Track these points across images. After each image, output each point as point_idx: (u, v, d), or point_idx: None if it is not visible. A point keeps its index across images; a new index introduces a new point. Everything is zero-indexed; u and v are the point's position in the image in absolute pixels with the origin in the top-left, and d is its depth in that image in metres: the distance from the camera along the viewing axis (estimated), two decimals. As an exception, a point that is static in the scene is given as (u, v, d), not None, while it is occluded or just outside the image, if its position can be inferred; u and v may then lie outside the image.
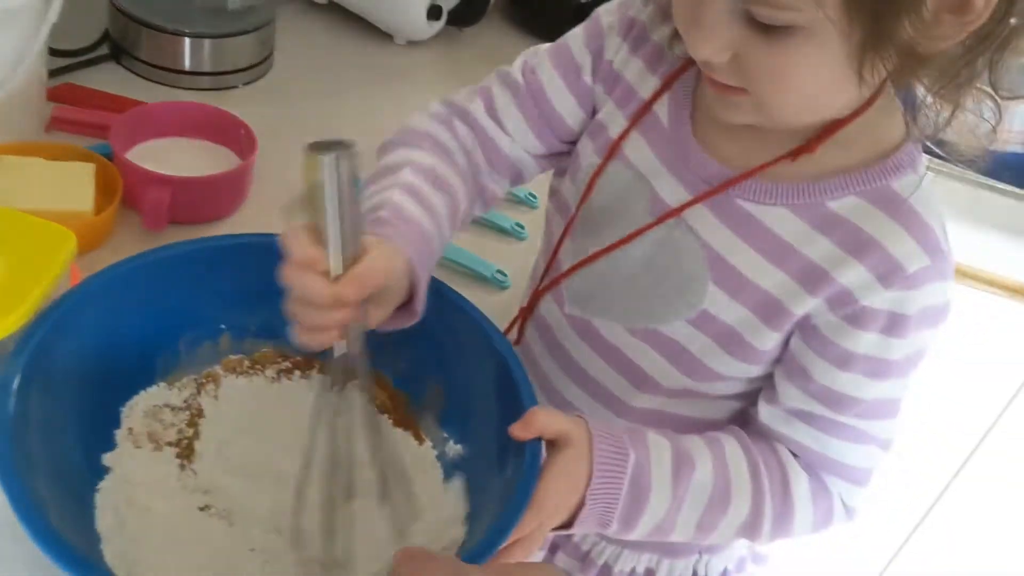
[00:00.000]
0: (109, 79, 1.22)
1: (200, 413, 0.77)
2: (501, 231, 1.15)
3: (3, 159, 0.96)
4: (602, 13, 0.83)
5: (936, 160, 0.74)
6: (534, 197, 1.20)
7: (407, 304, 0.70)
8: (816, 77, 0.65)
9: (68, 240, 0.72)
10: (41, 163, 0.97)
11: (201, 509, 0.71)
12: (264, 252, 0.67)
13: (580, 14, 0.88)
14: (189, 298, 0.77)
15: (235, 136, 1.10)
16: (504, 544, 0.64)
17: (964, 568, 1.61)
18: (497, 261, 1.09)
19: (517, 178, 0.87)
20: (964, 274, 1.28)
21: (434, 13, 1.41)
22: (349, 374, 0.68)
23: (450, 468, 0.77)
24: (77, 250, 0.74)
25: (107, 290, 0.72)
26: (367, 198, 0.74)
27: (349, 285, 0.62)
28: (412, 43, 1.44)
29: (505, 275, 1.08)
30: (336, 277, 0.62)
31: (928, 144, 0.72)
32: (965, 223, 1.36)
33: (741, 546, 0.96)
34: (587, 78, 0.82)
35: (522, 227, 1.15)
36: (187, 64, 1.24)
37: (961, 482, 1.55)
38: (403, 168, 0.76)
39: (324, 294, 0.62)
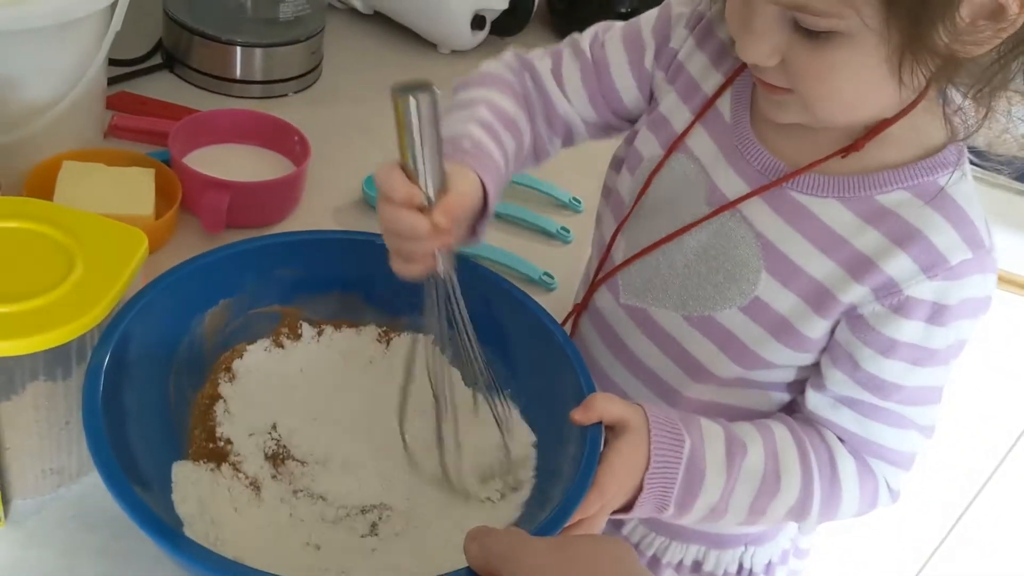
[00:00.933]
0: (162, 87, 1.25)
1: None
2: (547, 235, 1.17)
3: (67, 165, 0.99)
4: (674, 3, 0.87)
5: (975, 167, 0.76)
6: (578, 201, 1.22)
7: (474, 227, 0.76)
8: (857, 80, 0.68)
9: (141, 241, 0.74)
10: (103, 169, 1.00)
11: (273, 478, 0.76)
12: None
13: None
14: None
15: (288, 142, 1.13)
16: (567, 524, 0.67)
17: (1000, 568, 1.61)
18: (544, 264, 1.11)
19: (568, 139, 0.91)
20: (1005, 280, 1.30)
21: (478, 23, 1.43)
22: (444, 295, 0.73)
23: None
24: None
25: (179, 284, 0.76)
26: (446, 128, 0.78)
27: (444, 215, 0.67)
28: (456, 52, 1.47)
29: (552, 277, 1.10)
30: (427, 207, 0.67)
31: (967, 148, 0.75)
32: (1006, 229, 1.37)
33: (785, 539, 0.98)
34: (649, 61, 0.86)
35: (567, 231, 1.17)
36: (238, 73, 1.27)
37: (998, 481, 1.55)
38: (480, 105, 0.82)
39: (425, 227, 0.67)
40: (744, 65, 0.80)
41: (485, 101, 0.83)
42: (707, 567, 0.95)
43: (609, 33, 0.88)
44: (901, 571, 1.68)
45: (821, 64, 0.67)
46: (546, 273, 1.10)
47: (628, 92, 0.87)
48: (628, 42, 0.87)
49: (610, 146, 0.94)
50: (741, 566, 0.96)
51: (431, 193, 0.67)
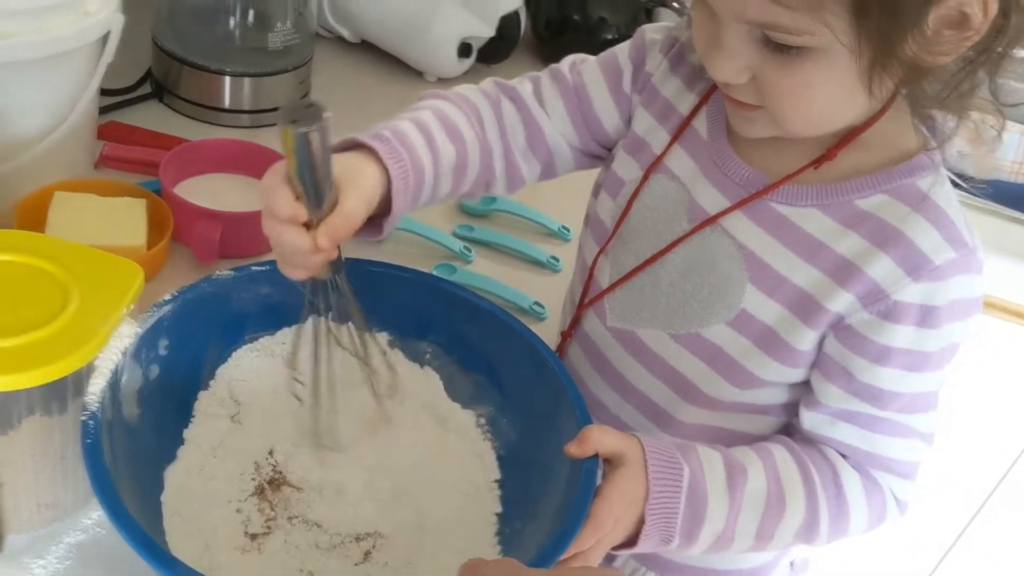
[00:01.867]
0: (152, 117, 1.26)
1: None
2: (537, 264, 1.18)
3: (58, 195, 0.99)
4: (648, 30, 0.89)
5: (960, 191, 0.78)
6: (567, 230, 1.23)
7: (377, 218, 0.77)
8: (828, 93, 0.70)
9: (137, 274, 0.74)
10: (95, 199, 1.00)
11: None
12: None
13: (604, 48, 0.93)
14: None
15: (278, 172, 1.13)
16: (562, 557, 0.67)
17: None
18: (534, 293, 1.11)
19: (548, 167, 0.91)
20: (995, 306, 1.32)
21: (464, 51, 1.44)
22: (325, 300, 0.76)
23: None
24: (142, 283, 0.76)
25: (179, 316, 0.77)
26: (380, 127, 0.80)
27: (326, 238, 0.69)
28: (442, 80, 1.48)
29: (543, 307, 1.10)
30: (313, 221, 0.68)
31: (947, 168, 0.77)
32: (995, 255, 1.39)
33: (782, 570, 0.98)
34: (627, 84, 0.88)
35: (557, 260, 1.18)
36: (227, 102, 1.28)
37: (1003, 493, 1.56)
38: (423, 110, 0.82)
39: (306, 245, 0.69)
40: (717, 85, 0.82)
41: (432, 108, 0.83)
42: (697, 603, 0.94)
43: (586, 63, 0.90)
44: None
45: (793, 80, 0.69)
46: (536, 303, 1.10)
47: (608, 116, 0.88)
48: (605, 68, 0.89)
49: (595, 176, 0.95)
50: (731, 603, 0.95)
51: (319, 211, 0.68)
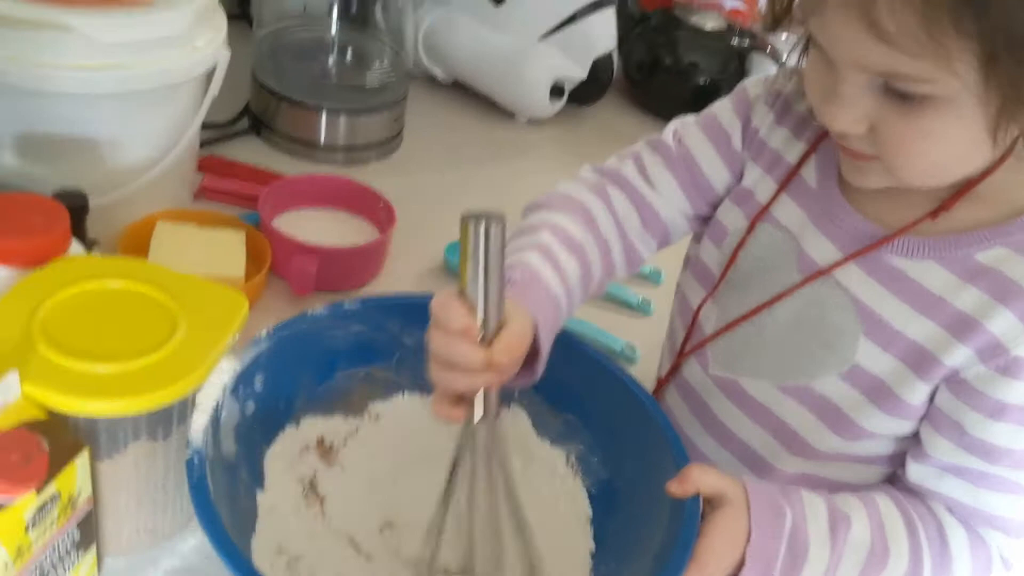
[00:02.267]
0: (249, 151, 1.28)
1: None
2: (629, 307, 1.16)
3: (160, 225, 1.01)
4: (749, 85, 0.87)
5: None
6: (659, 274, 1.22)
7: (526, 365, 0.72)
8: (950, 144, 0.67)
9: (242, 304, 0.75)
10: (195, 230, 1.02)
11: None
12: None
13: (698, 94, 0.92)
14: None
15: (373, 208, 1.14)
16: None
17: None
18: (625, 336, 1.10)
19: (665, 240, 0.89)
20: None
21: (556, 92, 1.45)
22: (484, 440, 0.69)
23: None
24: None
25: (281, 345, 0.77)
26: (509, 265, 0.77)
27: (503, 353, 0.65)
28: (533, 121, 1.48)
29: (634, 349, 1.09)
30: (483, 341, 0.65)
31: None
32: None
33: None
34: (737, 145, 0.86)
35: (649, 303, 1.17)
36: (322, 138, 1.29)
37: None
38: (541, 230, 0.79)
39: (479, 360, 0.64)
40: (827, 131, 0.80)
41: (548, 225, 0.80)
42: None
43: (685, 128, 0.88)
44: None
45: (914, 130, 0.66)
46: (628, 345, 1.09)
47: (720, 179, 0.86)
48: (709, 131, 0.86)
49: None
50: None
51: (491, 327, 0.64)
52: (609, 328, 1.11)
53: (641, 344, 1.10)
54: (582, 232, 0.82)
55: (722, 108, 0.87)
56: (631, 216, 0.86)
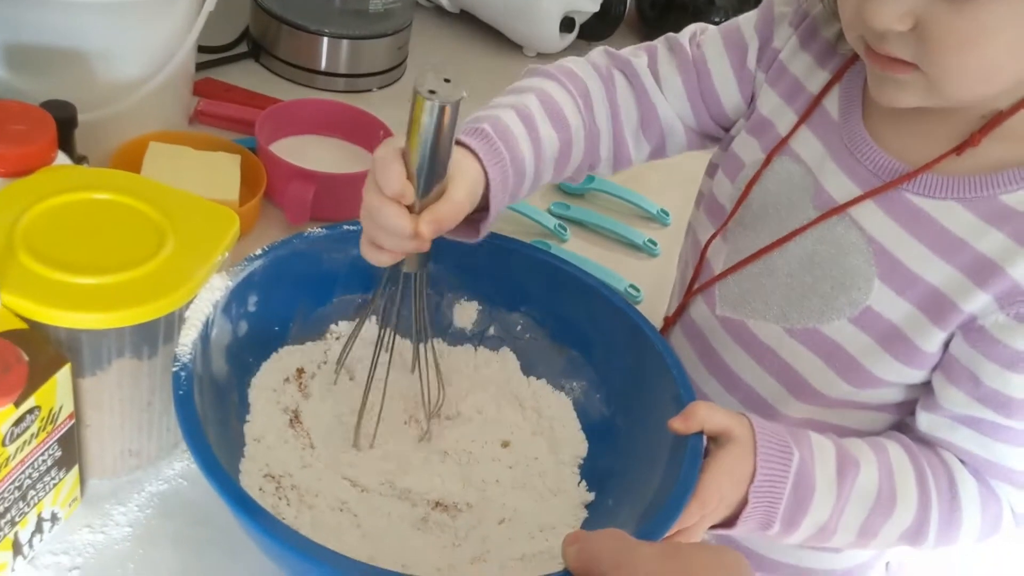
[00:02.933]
0: (247, 76, 1.24)
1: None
2: (634, 247, 1.13)
3: (153, 145, 0.97)
4: (777, 1, 0.83)
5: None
6: (666, 213, 1.19)
7: (471, 223, 0.71)
8: (1003, 47, 0.62)
9: (233, 221, 0.72)
10: (189, 152, 0.98)
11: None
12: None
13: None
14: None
15: (373, 136, 1.11)
16: (666, 534, 0.63)
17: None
18: (630, 277, 1.07)
19: (659, 148, 0.86)
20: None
21: (567, 25, 1.41)
22: (407, 291, 0.71)
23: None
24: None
25: (274, 267, 0.74)
26: (484, 109, 0.75)
27: (428, 225, 0.63)
28: (542, 55, 1.44)
29: (638, 290, 1.06)
30: (416, 205, 0.63)
31: None
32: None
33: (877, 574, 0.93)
34: (751, 61, 0.82)
35: (655, 243, 1.14)
36: (323, 64, 1.25)
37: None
38: (529, 94, 0.77)
39: (408, 228, 0.63)
40: (853, 60, 0.77)
41: (539, 91, 0.77)
42: (790, 602, 0.90)
43: (706, 34, 0.84)
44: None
45: (965, 27, 0.61)
46: (632, 285, 1.06)
47: (728, 94, 0.83)
48: (728, 42, 0.83)
49: (700, 157, 0.91)
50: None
51: (426, 196, 0.63)
52: (613, 267, 1.07)
53: (646, 285, 1.07)
54: (573, 110, 0.79)
55: (746, 21, 0.84)
56: (631, 112, 0.83)
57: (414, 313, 0.72)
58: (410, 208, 0.63)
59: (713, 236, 0.83)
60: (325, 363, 0.79)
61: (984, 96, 0.68)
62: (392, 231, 0.63)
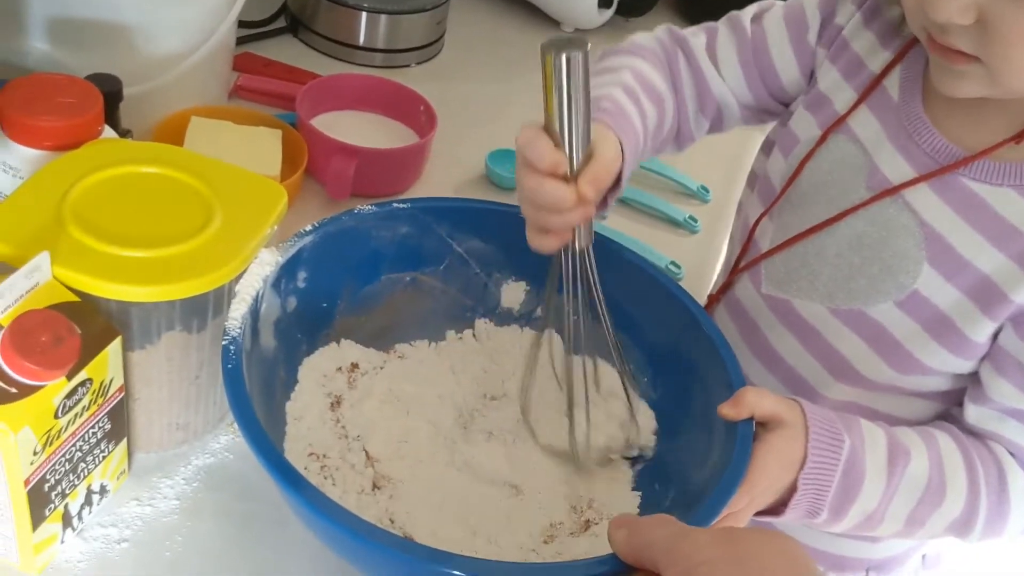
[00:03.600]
0: (285, 51, 1.24)
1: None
2: (674, 224, 1.12)
3: (195, 120, 0.97)
4: None
5: None
6: (707, 191, 1.18)
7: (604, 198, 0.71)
8: None
9: (280, 196, 0.71)
10: (231, 127, 0.98)
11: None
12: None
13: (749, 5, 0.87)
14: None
15: (414, 112, 1.10)
16: (715, 520, 0.62)
17: None
18: (670, 253, 1.06)
19: (717, 123, 0.86)
20: None
21: (605, 2, 1.39)
22: (581, 272, 0.69)
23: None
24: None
25: (325, 244, 0.74)
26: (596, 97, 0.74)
27: (591, 185, 0.62)
28: (579, 30, 1.43)
29: (679, 267, 1.05)
30: (571, 176, 0.62)
31: None
32: None
33: (910, 570, 0.92)
34: (812, 37, 0.81)
35: (695, 220, 1.13)
36: (362, 39, 1.25)
37: None
38: (625, 70, 0.77)
39: (570, 198, 0.62)
40: (915, 41, 0.75)
41: (631, 68, 0.78)
42: (824, 590, 0.89)
43: (770, 12, 0.84)
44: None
45: None
46: (672, 262, 1.05)
47: (788, 71, 0.83)
48: (790, 19, 0.82)
49: (743, 136, 0.90)
50: (860, 592, 0.90)
51: (577, 161, 0.62)
52: (653, 244, 1.06)
53: (686, 263, 1.06)
54: (660, 80, 0.80)
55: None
56: (691, 89, 0.83)
57: (593, 291, 0.70)
58: (566, 180, 0.62)
59: (763, 214, 0.83)
60: (382, 368, 0.78)
61: None
62: (556, 204, 0.62)
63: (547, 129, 0.61)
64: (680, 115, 0.83)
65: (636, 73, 0.78)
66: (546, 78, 0.59)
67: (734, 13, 0.85)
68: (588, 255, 0.68)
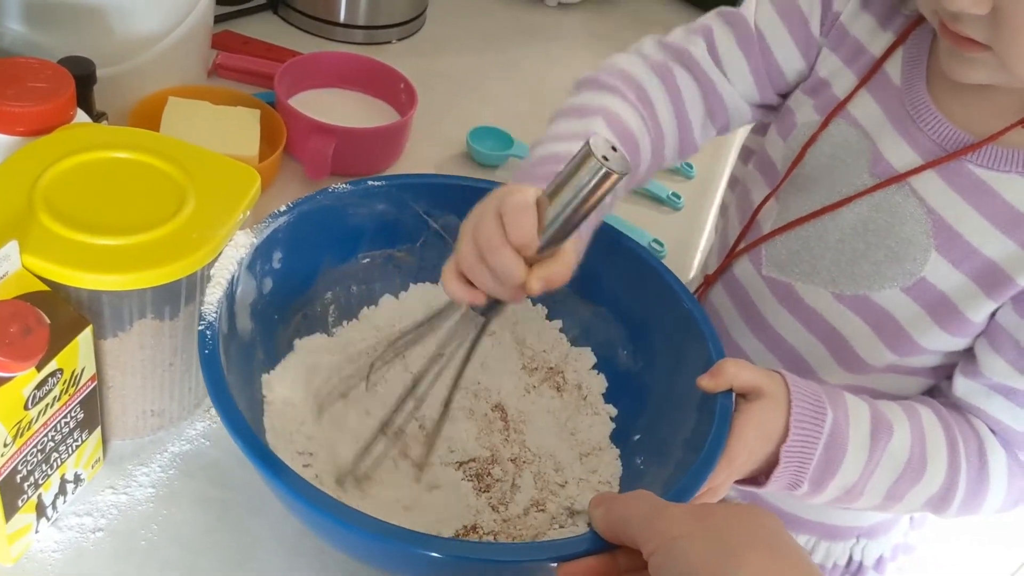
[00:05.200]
0: (265, 28, 1.23)
1: None
2: (658, 200, 1.12)
3: (172, 100, 0.96)
4: None
5: None
6: (690, 167, 1.17)
7: None
8: None
9: (254, 179, 0.71)
10: (208, 106, 0.97)
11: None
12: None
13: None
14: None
15: (394, 90, 1.09)
16: (695, 495, 0.62)
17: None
18: (653, 231, 1.06)
19: (724, 128, 0.84)
20: None
21: (588, -24, 1.38)
22: (478, 325, 0.65)
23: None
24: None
25: (299, 225, 0.73)
26: (554, 128, 0.72)
27: (539, 283, 0.59)
28: (563, 4, 1.42)
29: (662, 244, 1.05)
30: (530, 257, 0.59)
31: None
32: None
33: (898, 532, 0.92)
34: (815, 30, 0.79)
35: (679, 197, 1.12)
36: (342, 16, 1.24)
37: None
38: (595, 116, 0.74)
39: (518, 278, 0.59)
40: (917, 22, 0.74)
41: (604, 112, 0.74)
42: (816, 558, 0.90)
43: (761, 7, 0.81)
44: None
45: None
46: (655, 240, 1.05)
47: (792, 65, 0.80)
48: (785, 14, 0.80)
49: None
50: (851, 559, 0.90)
51: (545, 251, 0.59)
52: (635, 221, 1.06)
53: (669, 239, 1.06)
54: (638, 122, 0.76)
55: None
56: (696, 104, 0.81)
57: (467, 352, 0.67)
58: (523, 257, 0.59)
59: (768, 197, 0.81)
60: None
61: None
62: (502, 276, 0.59)
63: (539, 204, 0.58)
64: (683, 135, 0.80)
65: (609, 117, 0.74)
66: (573, 167, 0.55)
67: (726, 9, 0.82)
68: (487, 324, 0.65)
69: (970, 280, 0.71)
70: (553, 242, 0.58)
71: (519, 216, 0.57)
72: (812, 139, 0.78)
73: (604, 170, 0.54)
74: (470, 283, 0.61)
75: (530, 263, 0.59)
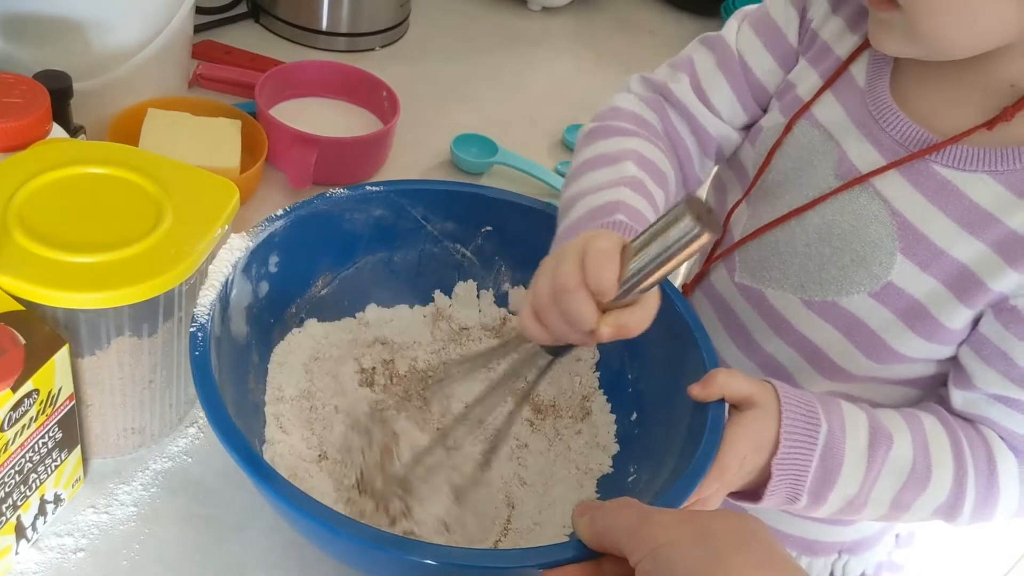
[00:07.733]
0: (247, 37, 1.22)
1: None
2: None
3: (152, 112, 0.95)
4: None
5: None
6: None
7: None
8: None
9: (232, 193, 0.70)
10: (189, 118, 0.96)
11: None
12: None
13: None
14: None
15: (376, 98, 1.09)
16: (685, 503, 0.61)
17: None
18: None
19: (720, 158, 0.84)
20: None
21: (572, -20, 1.38)
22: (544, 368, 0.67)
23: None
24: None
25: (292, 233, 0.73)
26: (585, 182, 0.72)
27: (611, 330, 0.58)
28: (547, 9, 1.42)
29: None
30: (605, 305, 0.58)
31: None
32: None
33: (882, 550, 0.91)
34: (792, 39, 0.79)
35: (664, 201, 1.11)
36: (324, 24, 1.23)
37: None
38: (626, 161, 0.73)
39: (590, 324, 0.58)
40: None
41: (633, 155, 0.74)
42: (797, 573, 0.89)
43: (741, 31, 0.81)
44: None
45: None
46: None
47: (771, 77, 0.80)
48: (760, 29, 0.80)
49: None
50: (832, 575, 0.90)
51: (621, 300, 0.58)
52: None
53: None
54: (661, 156, 0.77)
55: (774, 3, 0.80)
56: (689, 138, 0.81)
57: (529, 385, 0.68)
58: (598, 303, 0.58)
59: (738, 202, 0.81)
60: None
61: (972, 47, 0.66)
62: (573, 320, 0.58)
63: (623, 255, 0.57)
64: (685, 172, 0.81)
65: (639, 160, 0.74)
66: (665, 224, 0.54)
67: (709, 35, 0.82)
68: (552, 364, 0.66)
69: (940, 284, 0.70)
70: (630, 293, 0.57)
71: (602, 262, 0.56)
72: (778, 143, 0.77)
73: (697, 230, 0.52)
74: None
75: (603, 309, 0.58)
